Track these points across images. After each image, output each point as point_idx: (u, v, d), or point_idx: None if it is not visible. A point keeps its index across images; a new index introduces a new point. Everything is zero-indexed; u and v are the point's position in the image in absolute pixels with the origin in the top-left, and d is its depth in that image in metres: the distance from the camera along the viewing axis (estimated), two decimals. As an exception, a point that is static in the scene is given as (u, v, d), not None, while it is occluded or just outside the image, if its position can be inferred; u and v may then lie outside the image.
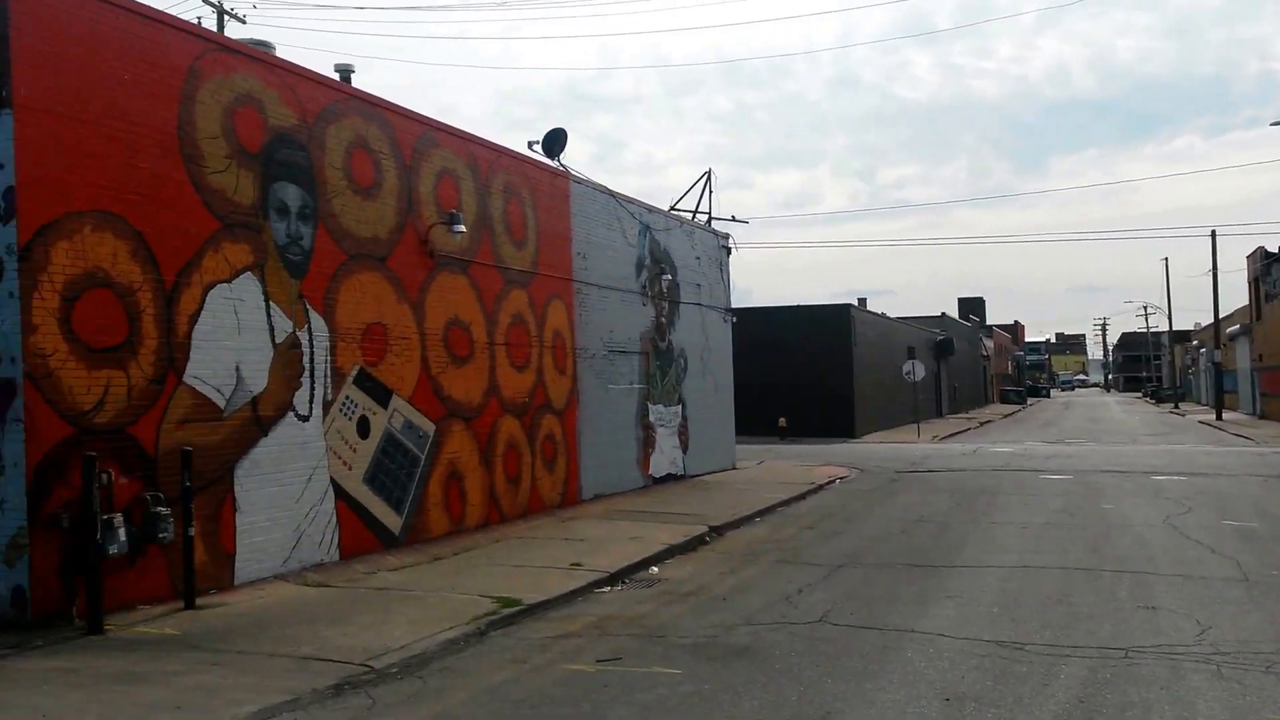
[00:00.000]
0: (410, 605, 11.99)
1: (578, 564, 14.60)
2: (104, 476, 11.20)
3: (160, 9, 12.67)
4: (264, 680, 8.81)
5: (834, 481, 27.35)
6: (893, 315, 66.80)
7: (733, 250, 31.55)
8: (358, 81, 16.46)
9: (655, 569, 14.94)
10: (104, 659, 9.47)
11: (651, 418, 25.25)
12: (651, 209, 26.26)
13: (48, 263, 10.90)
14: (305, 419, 14.34)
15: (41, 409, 10.79)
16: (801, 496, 23.92)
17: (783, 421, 47.78)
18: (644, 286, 25.19)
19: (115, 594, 11.17)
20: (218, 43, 13.58)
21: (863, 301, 66.16)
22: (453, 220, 17.07)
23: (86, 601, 10.56)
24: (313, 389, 14.49)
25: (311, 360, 14.48)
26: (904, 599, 12.45)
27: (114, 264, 11.65)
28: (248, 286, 13.48)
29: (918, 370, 48.44)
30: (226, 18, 28.82)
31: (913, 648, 10.10)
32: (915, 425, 52.12)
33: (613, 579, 13.98)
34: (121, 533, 11.16)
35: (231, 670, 9.11)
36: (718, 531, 18.30)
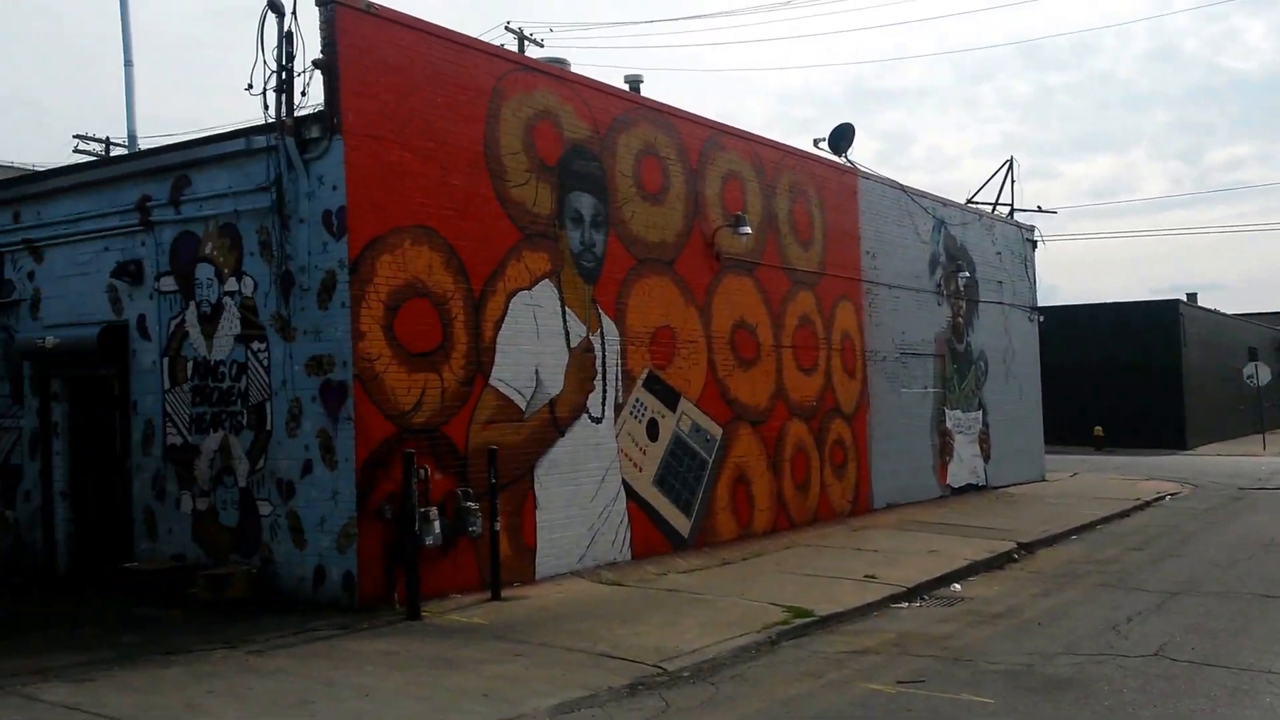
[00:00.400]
0: (700, 608, 12.70)
1: (871, 576, 14.79)
2: (421, 472, 12.59)
3: (467, 35, 14.07)
4: (563, 674, 9.66)
5: (1163, 498, 26.05)
6: (1227, 312, 62.30)
7: (1039, 244, 30.71)
8: (645, 92, 17.50)
9: (957, 586, 14.88)
10: (421, 644, 10.72)
11: (948, 424, 25.06)
12: (946, 202, 26.06)
13: (373, 275, 12.42)
14: (598, 421, 15.44)
15: (368, 409, 12.31)
16: (1125, 514, 22.96)
17: (1098, 430, 45.74)
18: (938, 285, 25.04)
19: (430, 582, 12.53)
20: (519, 62, 14.89)
21: (1192, 297, 62.13)
22: (738, 222, 17.78)
23: (406, 589, 11.96)
24: (605, 391, 15.57)
25: (603, 364, 15.58)
26: (1256, 634, 11.63)
27: (430, 275, 13.08)
28: (546, 293, 14.70)
29: (1262, 374, 45.11)
30: (526, 43, 31.09)
31: (1272, 692, 9.32)
32: (1260, 436, 48.48)
33: (910, 594, 14.03)
34: (437, 525, 12.53)
35: (533, 662, 10.08)
36: (1027, 549, 17.94)
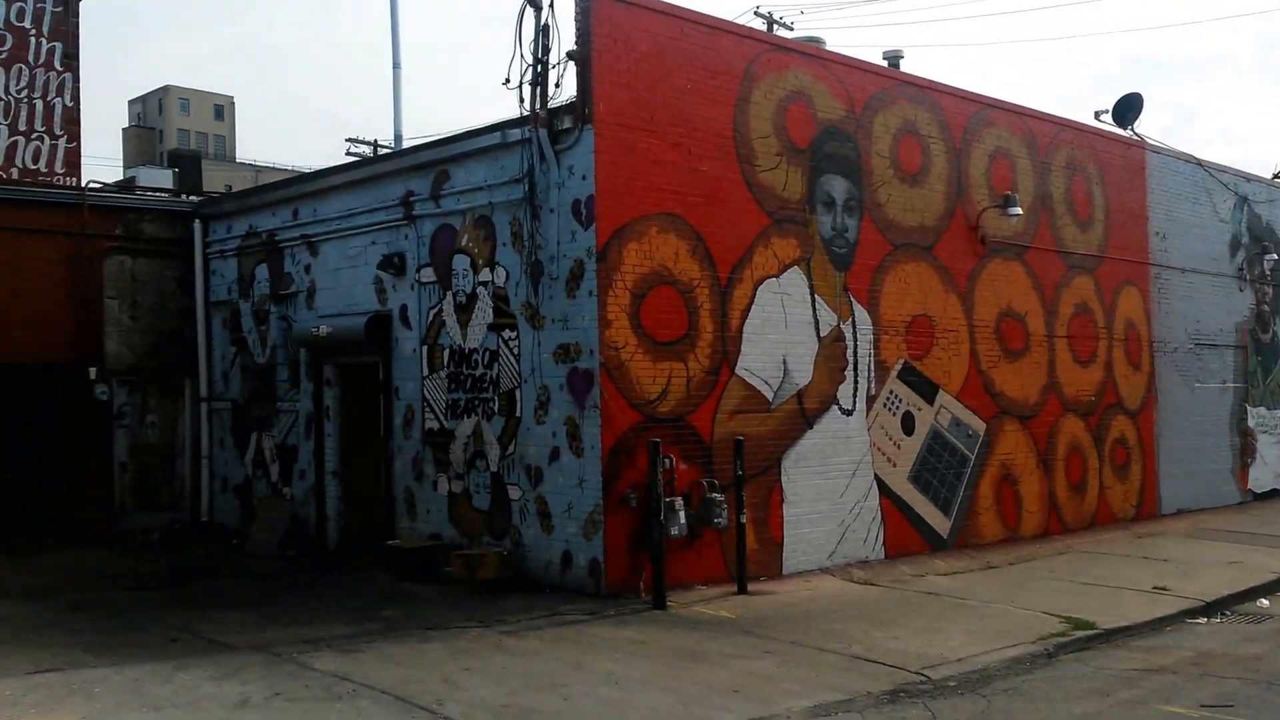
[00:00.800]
0: (964, 615, 12.57)
1: (1162, 588, 14.16)
2: (666, 462, 13.13)
3: (718, 18, 14.48)
4: (816, 675, 9.82)
5: None
6: None
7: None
8: (905, 69, 17.44)
9: (1265, 602, 14.06)
10: (667, 634, 11.23)
11: (1251, 422, 23.64)
12: (1250, 177, 24.51)
13: (620, 263, 13.04)
14: (849, 413, 15.56)
15: (614, 397, 12.96)
16: None
17: None
18: (1240, 269, 23.63)
19: (674, 573, 13.03)
20: (772, 43, 15.20)
21: None
22: (1007, 203, 17.43)
23: (652, 578, 12.53)
24: (856, 383, 15.68)
25: (855, 354, 15.68)
26: None
27: (676, 262, 13.60)
28: (794, 281, 14.95)
29: None
30: (775, 27, 31.38)
31: None
32: None
33: (1209, 609, 13.37)
34: (682, 515, 13.05)
35: (783, 660, 10.32)
36: (1347, 562, 16.66)
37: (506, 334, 14.06)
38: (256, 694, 8.82)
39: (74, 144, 24.84)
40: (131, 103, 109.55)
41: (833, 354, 15.40)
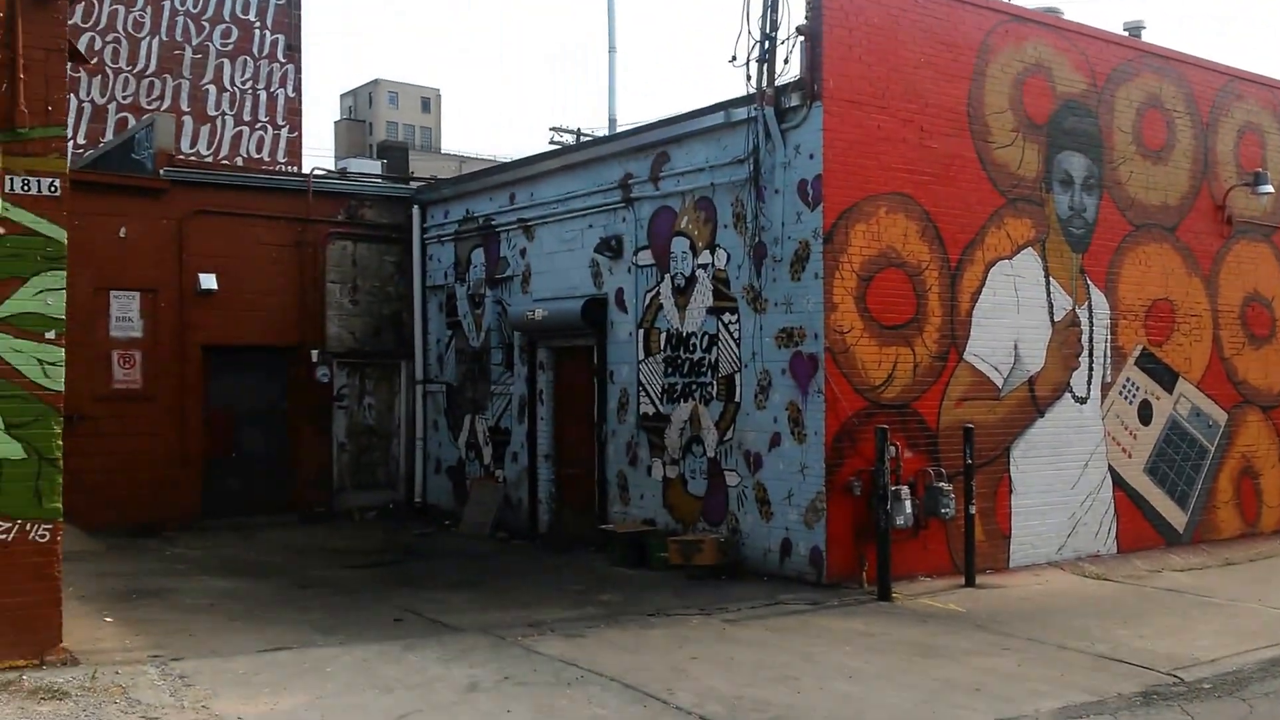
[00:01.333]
0: (1211, 613, 11.77)
1: None
2: (892, 449, 12.59)
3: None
4: (1060, 674, 9.23)
5: None
6: None
7: None
8: (1146, 39, 16.36)
9: None
10: (896, 627, 10.73)
11: None
12: None
13: (847, 245, 12.54)
14: (1082, 401, 14.68)
15: (839, 382, 12.47)
16: None
17: None
18: None
19: (898, 563, 12.42)
20: (1010, 14, 14.35)
21: None
22: (1257, 180, 16.18)
23: (877, 568, 12.02)
24: (1090, 369, 14.78)
25: (1090, 339, 14.78)
26: None
27: (904, 244, 13.01)
28: (1027, 263, 14.16)
29: None
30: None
31: None
32: None
33: None
34: (908, 505, 12.47)
35: (1023, 658, 9.73)
36: None
37: (726, 317, 13.72)
38: (485, 678, 8.70)
39: (295, 134, 25.83)
40: (343, 96, 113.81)
41: (1067, 339, 14.54)
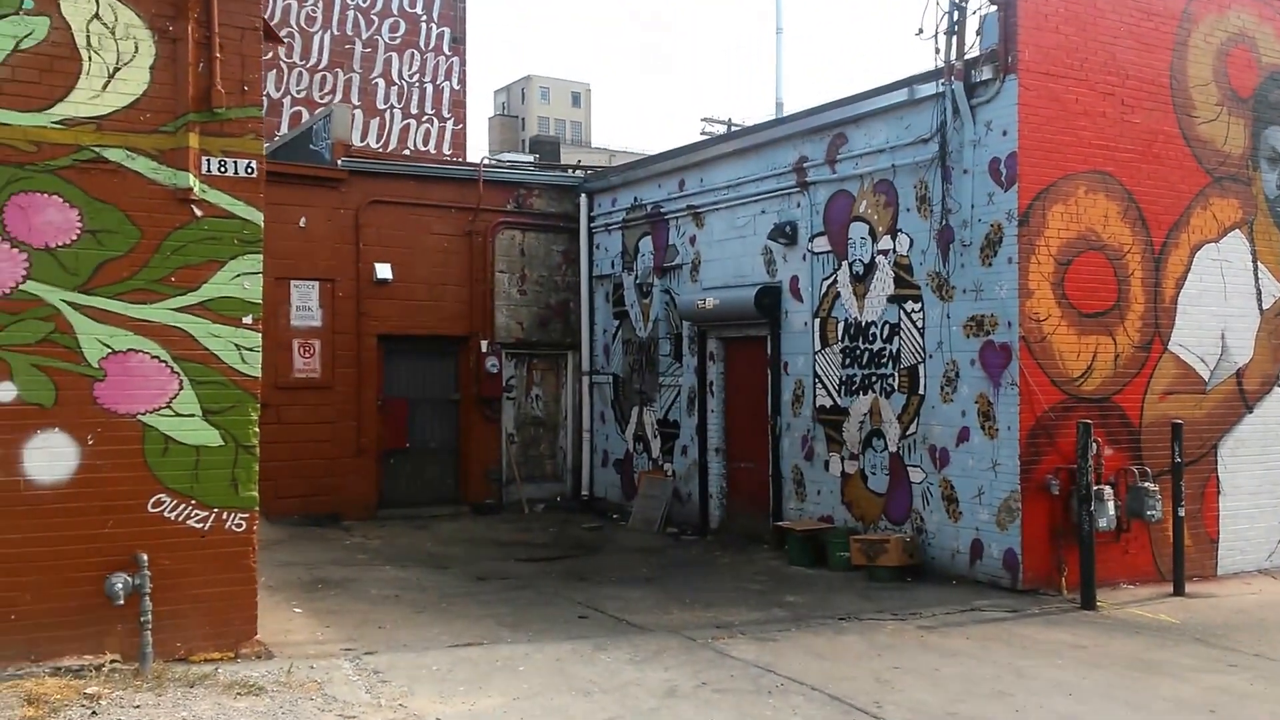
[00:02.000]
0: None
1: None
2: (1094, 446, 11.78)
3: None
4: (1299, 695, 8.42)
5: None
6: None
7: None
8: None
9: None
10: (1107, 639, 9.90)
11: None
12: None
13: (1044, 227, 11.74)
14: (1296, 396, 13.57)
15: (1035, 374, 11.69)
16: None
17: None
18: None
19: (1098, 569, 11.63)
20: (1215, -20, 13.34)
21: None
22: None
23: (1081, 574, 11.21)
24: (1306, 361, 13.63)
25: (1306, 328, 13.63)
26: None
27: (1104, 226, 12.14)
28: (1234, 246, 13.13)
29: None
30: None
31: None
32: None
33: None
34: (1110, 506, 11.65)
35: (1255, 676, 8.86)
36: None
37: (909, 306, 13.03)
38: (682, 682, 8.29)
39: (460, 126, 25.92)
40: (496, 92, 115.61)
41: (1275, 328, 13.44)
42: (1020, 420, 11.63)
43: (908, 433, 13.07)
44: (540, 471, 19.65)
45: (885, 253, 13.35)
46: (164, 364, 8.37)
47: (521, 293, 19.28)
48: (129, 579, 7.99)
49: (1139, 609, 11.18)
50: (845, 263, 13.97)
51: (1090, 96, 12.01)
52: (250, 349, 8.68)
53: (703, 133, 42.43)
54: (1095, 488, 11.46)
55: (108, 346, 8.19)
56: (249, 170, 8.64)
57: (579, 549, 15.20)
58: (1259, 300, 13.31)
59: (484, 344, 18.75)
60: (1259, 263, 13.31)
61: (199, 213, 8.52)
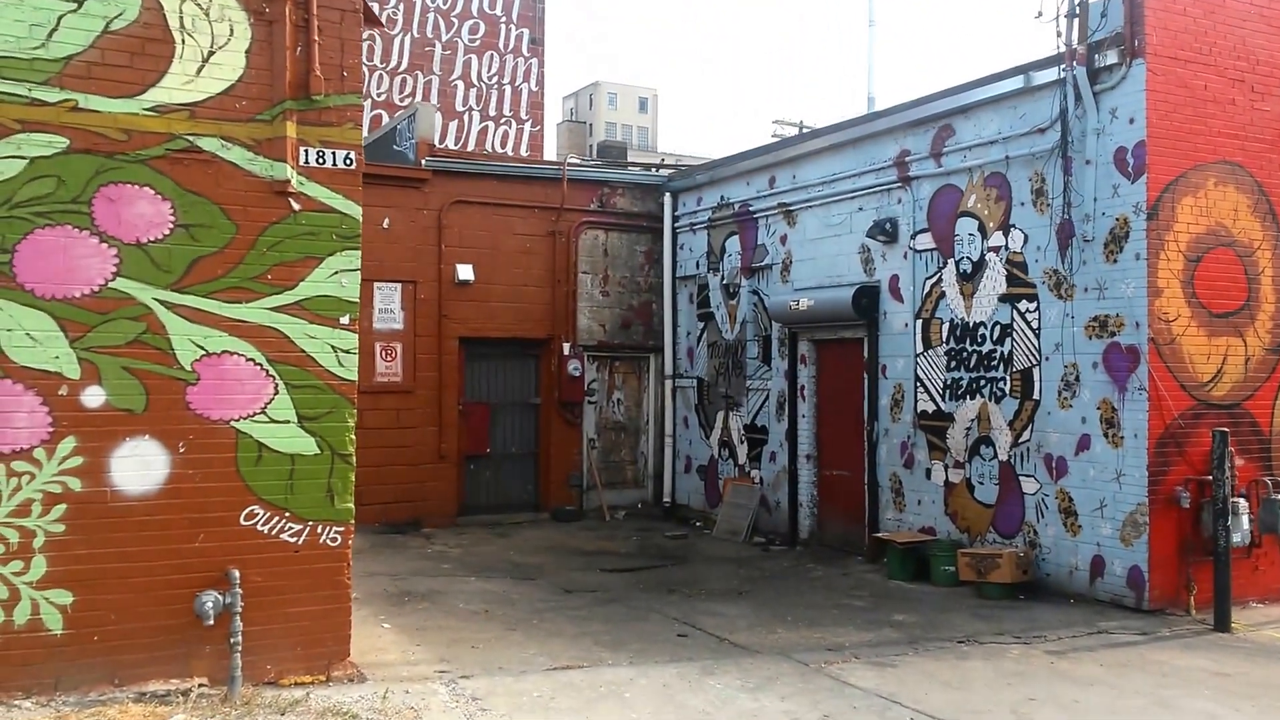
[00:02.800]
0: None
1: None
2: (1228, 456, 11.05)
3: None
4: None
5: None
6: None
7: None
8: None
9: None
10: (1253, 666, 9.13)
11: None
12: None
13: (1173, 221, 11.01)
14: None
15: (1164, 378, 10.95)
16: None
17: None
18: None
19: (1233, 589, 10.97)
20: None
21: None
22: None
23: (1215, 594, 10.44)
24: None
25: None
26: None
27: (1234, 220, 11.38)
28: (1375, 241, 12.27)
29: None
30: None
31: None
32: None
33: None
34: (1245, 520, 10.87)
35: None
36: None
37: (1023, 305, 12.33)
38: (803, 713, 7.68)
39: (537, 128, 25.52)
40: (565, 99, 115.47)
41: None
42: (1149, 428, 10.89)
43: (1020, 440, 12.37)
44: (621, 478, 19.16)
45: (996, 249, 12.66)
46: (259, 367, 7.95)
47: (604, 294, 18.81)
48: (219, 596, 7.56)
49: (1276, 631, 10.40)
50: (951, 261, 13.29)
51: (1219, 83, 11.26)
52: (347, 351, 8.25)
53: (773, 135, 41.86)
54: (1231, 501, 10.70)
55: (201, 348, 7.78)
56: (348, 162, 8.19)
57: (665, 558, 14.67)
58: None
59: (566, 346, 18.31)
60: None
61: (296, 206, 8.08)
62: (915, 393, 13.84)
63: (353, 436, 8.29)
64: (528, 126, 25.26)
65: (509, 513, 17.80)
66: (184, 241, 7.76)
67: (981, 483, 12.88)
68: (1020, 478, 12.35)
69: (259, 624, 7.75)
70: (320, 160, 8.08)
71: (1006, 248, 12.52)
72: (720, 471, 17.71)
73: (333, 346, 8.18)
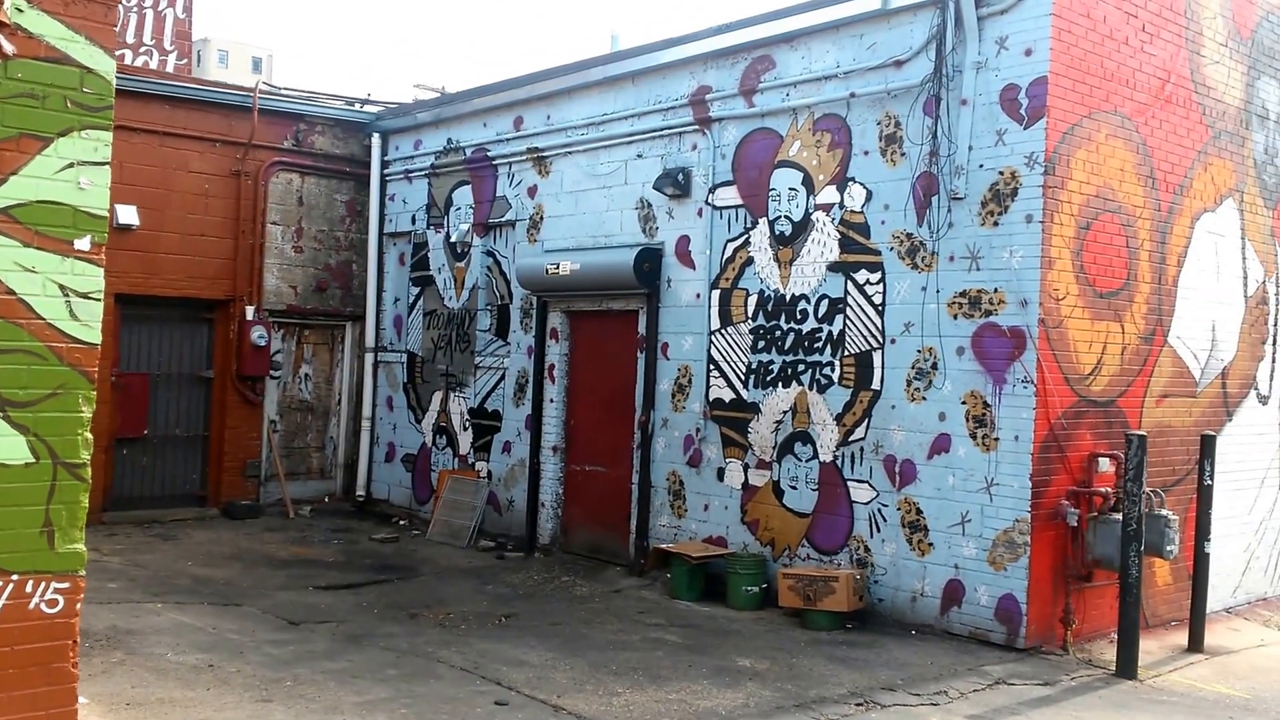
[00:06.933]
0: None
1: None
2: (1100, 463, 9.03)
3: None
4: None
5: None
6: None
7: None
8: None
9: None
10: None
11: None
12: None
13: (1068, 178, 8.81)
14: (1265, 401, 11.35)
15: (1051, 369, 8.76)
16: None
17: None
18: None
19: (1091, 619, 9.03)
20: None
21: None
22: None
23: (1120, 635, 8.30)
24: (1275, 361, 11.43)
25: (1276, 321, 11.42)
26: None
27: (1121, 182, 9.36)
28: (1228, 218, 10.71)
29: None
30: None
31: None
32: None
33: None
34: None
35: None
36: None
37: (861, 276, 9.82)
38: None
39: (184, 61, 20.83)
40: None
41: (1256, 320, 11.15)
42: (1035, 429, 8.64)
43: (851, 438, 9.88)
44: (305, 467, 15.48)
45: (827, 208, 10.09)
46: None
47: (297, 250, 14.98)
48: None
49: (1180, 675, 8.45)
50: (764, 220, 10.61)
51: (1116, 15, 9.18)
52: (85, 296, 4.98)
53: (415, 100, 37.60)
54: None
55: None
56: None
57: (385, 569, 11.47)
58: (1245, 285, 10.96)
59: (250, 310, 14.38)
60: (1246, 239, 10.95)
61: (8, 49, 4.73)
62: (708, 377, 11.10)
63: (88, 436, 5.11)
64: (172, 58, 20.50)
65: (170, 507, 14.06)
66: None
67: (795, 487, 10.31)
68: (850, 483, 9.88)
69: None
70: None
71: (842, 205, 9.97)
72: (435, 462, 14.37)
73: (61, 287, 4.92)
